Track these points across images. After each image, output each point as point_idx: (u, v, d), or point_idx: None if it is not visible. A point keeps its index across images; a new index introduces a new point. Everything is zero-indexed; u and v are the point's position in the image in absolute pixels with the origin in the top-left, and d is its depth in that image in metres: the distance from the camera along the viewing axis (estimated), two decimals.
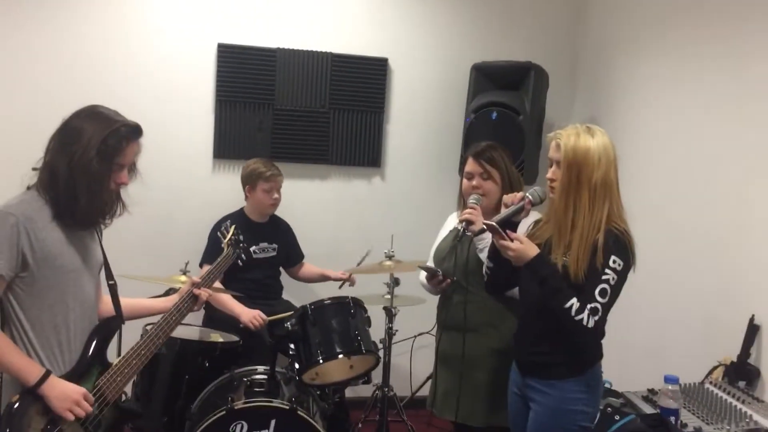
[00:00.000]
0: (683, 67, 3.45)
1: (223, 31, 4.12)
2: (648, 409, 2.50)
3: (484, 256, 2.63)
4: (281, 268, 4.02)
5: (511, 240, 2.24)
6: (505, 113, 4.06)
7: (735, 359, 2.78)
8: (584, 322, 2.13)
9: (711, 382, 2.73)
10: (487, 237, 2.58)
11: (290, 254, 4.02)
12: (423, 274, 2.89)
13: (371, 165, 4.45)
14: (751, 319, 2.77)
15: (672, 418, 2.33)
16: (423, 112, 4.50)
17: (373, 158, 4.44)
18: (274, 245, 3.89)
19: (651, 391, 2.65)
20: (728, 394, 2.62)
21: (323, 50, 4.24)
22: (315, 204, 4.39)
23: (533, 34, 4.51)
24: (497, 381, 2.71)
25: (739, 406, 2.51)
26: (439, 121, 4.50)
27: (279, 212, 3.94)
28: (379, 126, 4.42)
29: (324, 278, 3.96)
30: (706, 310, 3.10)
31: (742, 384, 2.71)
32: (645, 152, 3.57)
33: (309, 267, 4.08)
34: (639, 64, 3.86)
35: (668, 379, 2.41)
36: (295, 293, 4.06)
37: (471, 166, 2.81)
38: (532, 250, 2.22)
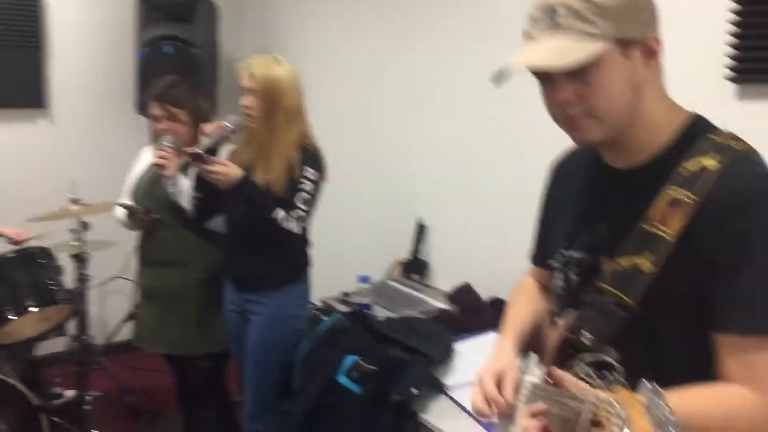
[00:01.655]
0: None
1: None
2: (345, 309, 2.82)
3: (178, 199, 2.67)
4: None
5: (215, 165, 2.33)
6: (179, 46, 4.01)
7: (408, 256, 3.24)
8: (292, 229, 2.37)
9: (392, 279, 3.16)
10: (181, 181, 2.64)
11: None
12: (121, 212, 2.82)
13: (34, 105, 4.07)
14: (419, 220, 3.24)
15: (367, 312, 2.68)
16: (88, 48, 4.22)
17: (34, 98, 4.07)
18: None
19: (344, 293, 2.98)
20: (406, 286, 3.07)
21: None
22: None
23: None
24: (205, 309, 2.82)
25: (417, 294, 2.97)
26: (108, 56, 4.26)
27: None
28: (37, 63, 4.05)
29: None
30: (382, 216, 3.54)
31: (415, 276, 3.19)
32: (316, 77, 3.84)
33: None
34: None
35: (361, 279, 2.76)
36: None
37: (155, 109, 2.75)
38: (238, 172, 2.35)
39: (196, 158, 2.33)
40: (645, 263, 1.08)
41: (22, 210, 3.45)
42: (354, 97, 3.72)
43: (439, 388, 2.19)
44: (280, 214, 2.36)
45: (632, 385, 0.96)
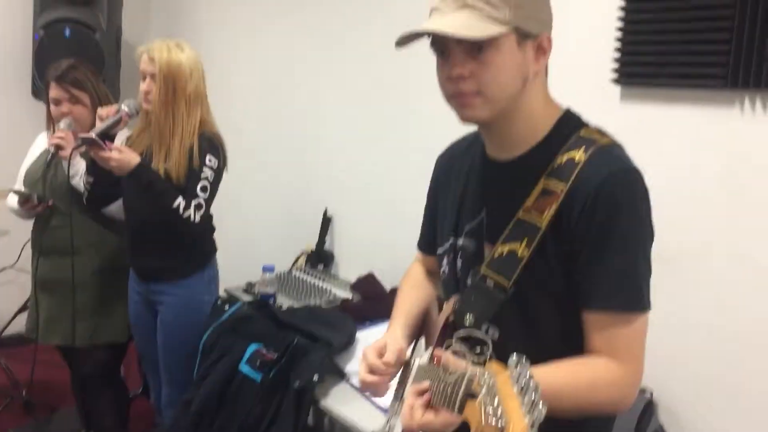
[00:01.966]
0: None
1: None
2: (249, 299, 2.82)
3: (76, 182, 2.61)
4: None
5: (111, 150, 2.28)
6: (79, 30, 3.89)
7: (314, 247, 3.26)
8: (192, 218, 2.35)
9: (297, 269, 3.18)
10: (79, 164, 2.58)
11: None
12: (14, 199, 2.71)
13: None
14: (325, 212, 3.27)
15: (270, 301, 2.69)
16: None
17: None
18: None
19: (249, 284, 2.98)
20: (312, 276, 3.10)
21: None
22: None
23: None
24: (104, 298, 2.77)
25: (321, 284, 3.00)
26: (4, 39, 4.09)
27: None
28: None
29: None
30: (289, 207, 3.56)
31: (321, 267, 3.22)
32: (223, 66, 3.81)
33: None
34: None
35: (265, 269, 2.77)
36: None
37: (55, 91, 2.66)
38: (134, 159, 2.31)
39: (91, 144, 2.27)
40: (520, 248, 1.16)
41: None
42: (261, 87, 3.71)
43: (340, 375, 2.23)
44: (179, 202, 2.33)
45: None
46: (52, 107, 2.69)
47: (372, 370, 1.30)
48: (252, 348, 2.30)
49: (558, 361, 1.14)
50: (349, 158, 3.19)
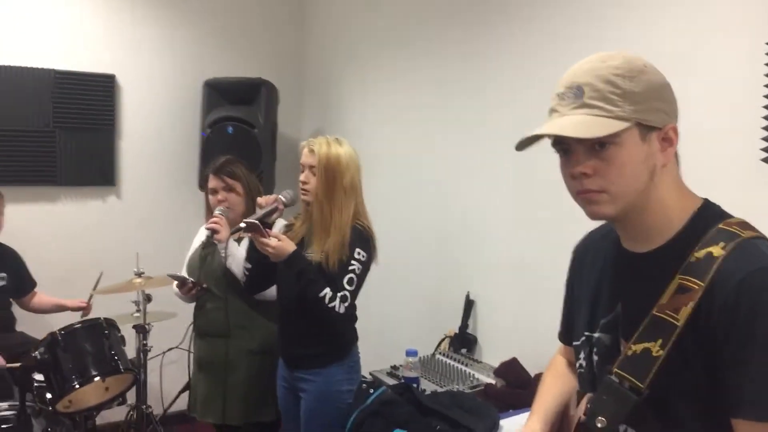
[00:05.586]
0: (391, 82, 3.94)
1: None
2: (393, 382, 2.85)
3: (229, 263, 2.80)
4: (12, 299, 3.77)
5: (270, 237, 2.44)
6: (240, 127, 4.24)
7: (457, 330, 3.27)
8: (336, 309, 2.42)
9: (440, 353, 3.19)
10: (232, 247, 2.77)
11: (21, 283, 3.79)
12: (175, 284, 2.96)
13: (105, 184, 4.35)
14: (467, 296, 3.28)
15: (414, 386, 2.71)
16: (157, 128, 4.50)
17: (107, 177, 4.34)
18: (3, 274, 3.65)
19: (394, 367, 3.02)
20: (454, 360, 3.09)
21: (45, 67, 4.06)
22: (44, 228, 4.17)
23: (262, 52, 4.77)
24: (254, 380, 2.91)
25: (464, 368, 2.98)
26: (175, 137, 4.54)
27: (3, 239, 3.70)
28: (111, 144, 4.34)
29: (60, 308, 3.81)
30: (432, 291, 3.59)
31: (464, 351, 3.21)
32: (372, 158, 3.99)
33: (42, 296, 3.88)
34: (355, 78, 4.30)
35: (409, 353, 2.80)
36: (30, 325, 3.83)
37: (213, 182, 2.95)
38: (290, 246, 2.44)
39: (253, 228, 2.42)
40: (656, 347, 1.11)
41: (91, 283, 3.66)
42: (404, 175, 3.84)
43: None
44: (325, 292, 2.40)
45: None
46: (210, 197, 2.96)
47: None
48: None
49: None
50: (492, 243, 3.21)
